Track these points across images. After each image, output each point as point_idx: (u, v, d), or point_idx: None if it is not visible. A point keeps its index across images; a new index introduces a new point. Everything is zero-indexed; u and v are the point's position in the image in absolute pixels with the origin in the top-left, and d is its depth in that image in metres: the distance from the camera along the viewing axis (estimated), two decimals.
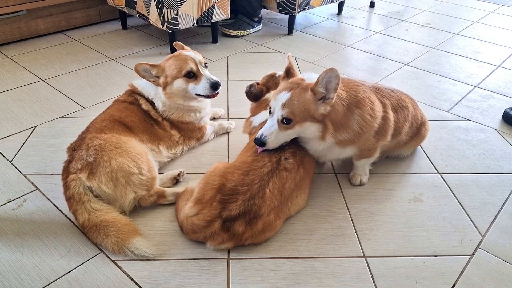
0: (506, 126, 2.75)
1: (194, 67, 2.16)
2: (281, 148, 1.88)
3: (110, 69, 3.24)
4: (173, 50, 3.48)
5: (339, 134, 1.84)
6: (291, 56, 1.95)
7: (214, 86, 2.17)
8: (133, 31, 4.01)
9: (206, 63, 2.25)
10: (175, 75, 2.15)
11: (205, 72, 2.19)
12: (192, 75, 2.17)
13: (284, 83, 1.87)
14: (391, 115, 2.01)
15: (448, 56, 3.78)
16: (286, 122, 1.78)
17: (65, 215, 1.90)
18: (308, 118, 1.78)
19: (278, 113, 1.78)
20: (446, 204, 2.08)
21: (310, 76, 1.90)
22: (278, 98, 1.79)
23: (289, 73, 1.93)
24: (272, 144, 1.82)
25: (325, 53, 3.71)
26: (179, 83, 2.16)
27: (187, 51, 2.24)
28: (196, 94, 2.19)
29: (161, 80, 2.16)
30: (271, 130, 1.81)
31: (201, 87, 2.17)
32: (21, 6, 3.42)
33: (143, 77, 2.16)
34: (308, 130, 1.81)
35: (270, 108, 1.85)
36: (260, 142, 1.82)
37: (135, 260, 1.70)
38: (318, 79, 1.71)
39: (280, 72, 2.23)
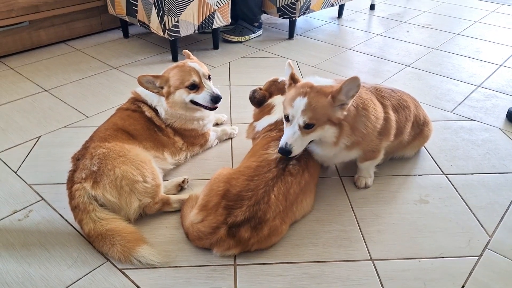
0: (511, 125, 2.73)
1: (197, 80, 2.17)
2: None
3: (113, 78, 3.25)
4: (175, 57, 3.51)
5: (351, 136, 1.84)
6: (291, 62, 1.95)
7: (215, 99, 2.18)
8: (134, 39, 4.02)
9: (210, 75, 2.26)
10: (178, 86, 2.16)
11: (208, 84, 2.20)
12: (194, 87, 2.17)
13: (294, 88, 1.84)
14: (392, 115, 2.00)
15: (450, 56, 3.78)
16: (308, 127, 1.76)
17: (71, 225, 1.90)
18: (327, 121, 1.77)
19: (300, 119, 1.75)
20: (452, 205, 2.07)
21: (316, 80, 1.88)
22: (295, 105, 1.76)
23: (294, 78, 1.92)
24: (297, 150, 1.79)
25: (327, 57, 3.71)
26: (181, 94, 2.16)
27: (192, 62, 2.24)
28: (194, 102, 2.20)
29: (164, 90, 2.17)
30: (295, 137, 1.77)
31: (201, 97, 2.18)
32: (23, 17, 3.45)
33: (147, 88, 2.16)
34: (327, 133, 1.80)
35: (287, 116, 1.81)
36: (285, 151, 1.78)
37: (141, 268, 1.70)
38: (341, 87, 1.70)
39: (283, 77, 2.23)
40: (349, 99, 1.74)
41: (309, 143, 1.85)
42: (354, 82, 1.68)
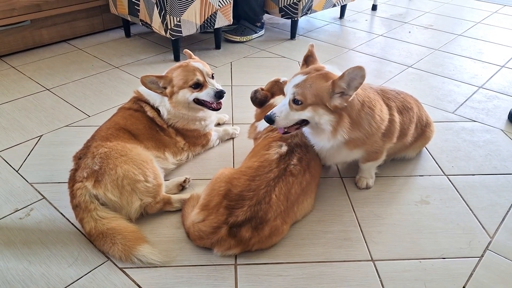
0: None
1: (201, 78, 2.17)
2: (289, 154, 1.88)
3: (114, 77, 3.25)
4: (176, 57, 3.51)
5: (352, 131, 1.82)
6: (313, 45, 1.95)
7: (218, 94, 2.18)
8: (136, 38, 4.03)
9: (213, 74, 2.26)
10: (181, 86, 2.16)
11: (211, 82, 2.20)
12: (198, 86, 2.17)
13: (302, 68, 1.88)
14: (396, 117, 2.00)
15: (452, 57, 3.77)
16: (295, 102, 1.78)
17: (72, 224, 1.90)
18: (320, 104, 1.76)
19: (290, 93, 1.78)
20: (454, 206, 2.07)
21: (331, 69, 1.86)
22: (292, 80, 1.80)
23: (308, 61, 1.94)
24: (280, 122, 1.82)
25: (328, 57, 3.71)
26: (184, 93, 2.16)
27: (195, 62, 2.24)
28: (198, 101, 2.20)
29: (168, 90, 2.17)
30: (281, 109, 1.82)
31: (205, 93, 2.18)
32: (25, 16, 3.45)
33: (150, 89, 2.16)
34: (322, 119, 1.78)
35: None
36: (268, 118, 1.83)
37: (142, 267, 1.70)
38: (343, 74, 1.68)
39: (284, 78, 2.23)
40: (351, 90, 1.71)
41: (303, 125, 1.86)
42: (358, 71, 1.64)
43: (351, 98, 1.74)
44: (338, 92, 1.73)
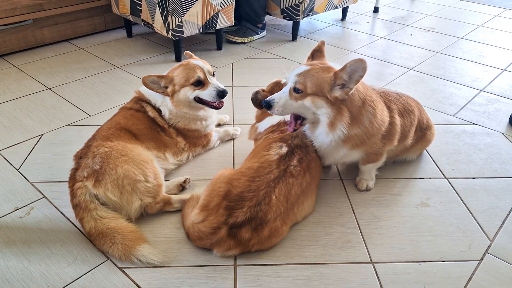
0: None
1: (201, 76, 2.17)
2: (289, 155, 1.88)
3: (116, 77, 3.26)
4: (178, 57, 3.51)
5: (351, 126, 1.82)
6: (324, 42, 1.99)
7: (221, 94, 2.18)
8: (138, 39, 4.03)
9: (214, 71, 2.26)
10: (183, 84, 2.16)
11: (212, 80, 2.21)
12: (199, 84, 2.17)
13: (308, 61, 1.90)
14: (397, 120, 2.00)
15: (453, 60, 3.77)
16: (296, 91, 1.79)
17: (72, 223, 1.90)
18: (320, 95, 1.77)
19: (291, 81, 1.80)
20: (454, 209, 2.07)
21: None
22: (295, 69, 1.82)
23: (314, 55, 1.96)
24: (277, 108, 1.84)
25: (330, 59, 3.67)
26: (186, 92, 2.17)
27: (196, 60, 2.25)
28: (199, 100, 2.20)
29: (169, 89, 2.17)
30: (281, 96, 1.84)
31: (207, 93, 2.18)
32: (27, 15, 3.46)
33: (151, 89, 2.16)
34: (321, 110, 1.79)
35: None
36: (267, 103, 1.85)
37: (141, 267, 1.70)
38: (345, 65, 1.69)
39: (285, 79, 2.24)
40: (352, 82, 1.72)
41: (302, 121, 1.89)
42: (359, 64, 1.66)
43: (351, 91, 1.75)
44: (339, 84, 1.74)
